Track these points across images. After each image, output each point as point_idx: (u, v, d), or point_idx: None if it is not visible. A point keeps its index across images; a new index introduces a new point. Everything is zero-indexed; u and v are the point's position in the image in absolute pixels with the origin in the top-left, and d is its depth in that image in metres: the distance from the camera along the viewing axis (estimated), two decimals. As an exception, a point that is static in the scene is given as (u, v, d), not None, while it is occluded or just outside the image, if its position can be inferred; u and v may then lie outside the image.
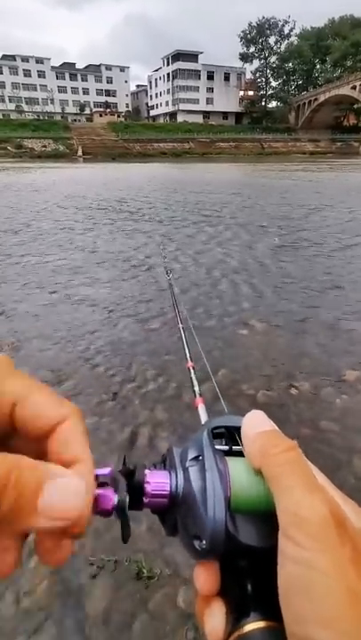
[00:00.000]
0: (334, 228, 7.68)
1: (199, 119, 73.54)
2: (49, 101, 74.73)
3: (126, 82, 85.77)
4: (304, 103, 70.14)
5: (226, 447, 0.28)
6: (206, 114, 75.70)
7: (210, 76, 75.18)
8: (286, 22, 75.26)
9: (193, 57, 74.51)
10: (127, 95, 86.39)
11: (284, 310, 3.89)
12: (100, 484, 0.24)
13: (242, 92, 77.69)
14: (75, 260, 5.59)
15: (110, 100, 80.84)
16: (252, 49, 76.24)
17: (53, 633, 1.30)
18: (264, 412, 0.27)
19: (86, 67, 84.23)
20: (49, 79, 75.27)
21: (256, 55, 76.41)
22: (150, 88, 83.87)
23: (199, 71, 73.86)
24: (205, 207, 10.26)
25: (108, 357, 3.02)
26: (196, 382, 0.96)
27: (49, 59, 76.09)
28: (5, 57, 71.97)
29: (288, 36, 76.13)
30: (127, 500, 0.26)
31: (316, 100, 66.51)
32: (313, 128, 69.46)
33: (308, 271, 5.11)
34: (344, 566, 0.19)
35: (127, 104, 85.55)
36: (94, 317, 3.75)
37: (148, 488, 0.26)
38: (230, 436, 0.29)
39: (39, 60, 73.95)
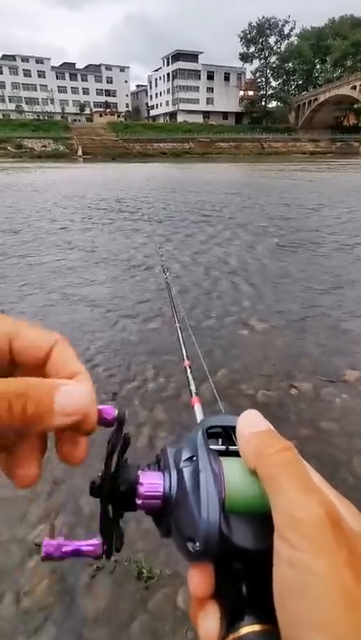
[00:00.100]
0: (334, 228, 7.68)
1: (199, 119, 73.55)
2: (49, 101, 74.73)
3: (126, 82, 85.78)
4: (304, 103, 70.13)
5: (223, 447, 0.28)
6: (206, 114, 75.69)
7: (210, 76, 75.18)
8: (286, 22, 75.41)
9: (193, 57, 74.52)
10: (127, 95, 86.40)
11: (284, 310, 3.89)
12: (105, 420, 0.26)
13: (242, 92, 77.70)
14: (74, 260, 5.59)
15: (110, 99, 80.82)
16: (252, 49, 76.38)
17: (53, 633, 1.30)
18: (259, 412, 0.27)
19: (86, 67, 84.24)
20: (49, 79, 75.27)
21: (256, 55, 76.45)
22: (150, 88, 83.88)
23: (199, 71, 73.88)
24: (205, 207, 10.26)
25: (107, 357, 3.02)
26: (192, 381, 0.96)
27: (49, 59, 76.14)
28: (5, 57, 71.98)
29: (288, 35, 76.29)
30: (125, 415, 0.27)
31: (316, 99, 66.51)
32: (313, 128, 69.45)
33: (308, 271, 5.11)
34: (340, 568, 0.19)
35: (127, 104, 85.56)
36: (93, 317, 3.75)
37: (141, 489, 0.26)
38: (227, 435, 0.29)
39: (39, 60, 73.95)
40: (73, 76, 79.26)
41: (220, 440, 0.29)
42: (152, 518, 0.28)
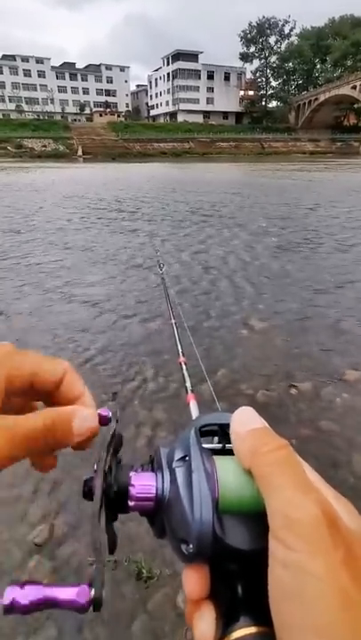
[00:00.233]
0: (334, 227, 7.68)
1: (199, 119, 73.51)
2: (49, 101, 74.69)
3: (126, 82, 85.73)
4: (304, 103, 70.10)
5: (219, 445, 0.28)
6: (206, 114, 75.66)
7: (210, 76, 75.16)
8: (286, 22, 75.44)
9: (193, 57, 74.48)
10: (127, 95, 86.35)
11: (284, 309, 3.89)
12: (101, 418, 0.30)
13: (242, 92, 77.66)
14: (73, 260, 5.59)
15: (110, 99, 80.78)
16: (252, 49, 76.41)
17: (53, 633, 1.30)
18: (253, 409, 0.27)
19: (86, 66, 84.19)
20: (49, 79, 75.23)
21: (256, 55, 76.48)
22: (150, 88, 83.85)
23: (199, 71, 73.85)
24: (205, 207, 10.26)
25: (106, 357, 3.02)
26: (187, 378, 0.94)
27: (49, 59, 76.10)
28: (5, 57, 71.95)
29: (288, 35, 76.31)
30: (118, 413, 0.29)
31: (316, 99, 66.47)
32: (313, 128, 69.42)
33: (308, 270, 5.10)
34: (337, 569, 0.18)
35: (127, 104, 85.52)
36: (93, 316, 3.75)
37: (133, 491, 0.26)
38: (223, 433, 0.28)
39: (39, 60, 73.92)
40: (73, 76, 79.21)
41: (217, 438, 0.29)
42: (147, 519, 0.28)
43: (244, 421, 0.26)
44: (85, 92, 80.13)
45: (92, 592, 0.22)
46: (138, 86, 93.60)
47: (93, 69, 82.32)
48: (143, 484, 0.26)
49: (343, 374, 2.79)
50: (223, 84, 76.54)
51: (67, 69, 79.31)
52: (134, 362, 2.94)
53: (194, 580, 0.24)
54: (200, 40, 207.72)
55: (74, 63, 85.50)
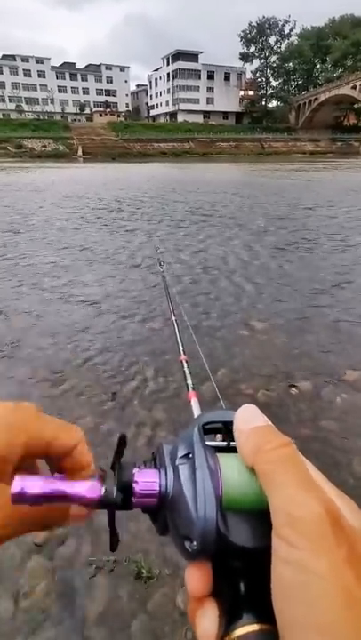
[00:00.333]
0: (333, 227, 7.68)
1: (199, 119, 73.49)
2: (49, 101, 74.66)
3: (126, 82, 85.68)
4: (304, 103, 70.10)
5: (223, 443, 0.28)
6: (206, 113, 75.63)
7: (210, 76, 75.11)
8: (286, 22, 75.34)
9: (193, 57, 74.44)
10: (127, 95, 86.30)
11: (284, 309, 3.88)
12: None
13: (242, 92, 77.63)
14: (72, 259, 5.58)
15: (110, 99, 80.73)
16: (252, 49, 76.34)
17: (52, 633, 1.30)
18: (256, 407, 0.27)
19: (86, 66, 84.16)
20: (49, 79, 75.18)
21: (256, 55, 76.42)
22: (150, 88, 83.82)
23: (199, 71, 73.81)
24: (205, 207, 10.26)
25: (106, 356, 3.02)
26: (188, 375, 0.93)
27: (49, 58, 76.02)
28: (5, 57, 71.90)
29: (288, 35, 76.20)
30: (127, 437, 0.28)
31: (316, 99, 66.47)
32: (313, 128, 69.41)
33: (308, 270, 5.10)
34: (340, 567, 0.18)
35: (127, 104, 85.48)
36: (92, 316, 3.75)
37: (137, 488, 0.26)
38: (227, 431, 0.28)
39: (39, 60, 73.87)
40: (73, 76, 79.17)
41: (221, 436, 0.29)
42: (149, 516, 0.28)
43: (248, 419, 0.26)
44: (85, 91, 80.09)
45: (103, 489, 0.23)
46: (138, 86, 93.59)
47: (93, 69, 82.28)
48: (146, 480, 0.26)
49: (343, 374, 2.79)
50: (223, 83, 76.50)
51: (67, 69, 79.26)
52: (134, 361, 2.94)
53: (197, 577, 0.24)
54: (200, 40, 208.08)
55: (74, 63, 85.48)
